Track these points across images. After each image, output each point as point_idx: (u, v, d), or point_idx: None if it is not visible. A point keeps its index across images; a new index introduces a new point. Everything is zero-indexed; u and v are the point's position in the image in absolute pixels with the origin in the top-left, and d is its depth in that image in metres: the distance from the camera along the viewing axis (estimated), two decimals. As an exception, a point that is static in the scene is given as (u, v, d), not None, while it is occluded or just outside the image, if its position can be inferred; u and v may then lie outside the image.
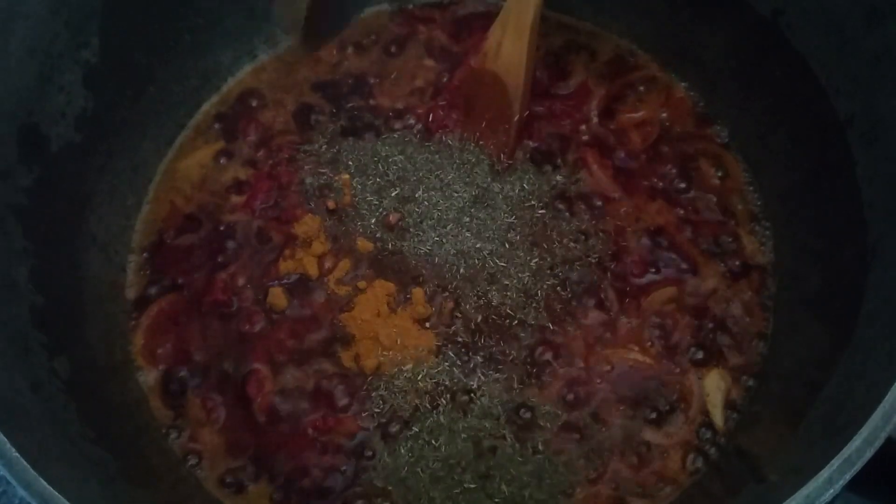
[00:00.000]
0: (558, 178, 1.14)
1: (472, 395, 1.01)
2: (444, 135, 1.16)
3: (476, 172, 1.13)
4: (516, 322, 1.05)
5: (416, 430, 0.99)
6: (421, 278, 1.07)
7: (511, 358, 1.03)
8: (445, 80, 1.21)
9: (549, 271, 1.08)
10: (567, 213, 1.12)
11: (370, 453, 0.99)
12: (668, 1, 1.17)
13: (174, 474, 1.00)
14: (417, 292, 1.06)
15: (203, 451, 1.02)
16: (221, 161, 1.18)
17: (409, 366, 1.02)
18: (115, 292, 1.10)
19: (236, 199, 1.15)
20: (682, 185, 1.14)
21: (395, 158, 1.15)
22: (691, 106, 1.20)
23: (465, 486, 0.97)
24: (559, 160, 1.15)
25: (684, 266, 1.09)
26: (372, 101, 1.21)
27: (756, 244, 1.11)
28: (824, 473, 0.70)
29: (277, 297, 1.07)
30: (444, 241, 1.09)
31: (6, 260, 0.91)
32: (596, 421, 1.01)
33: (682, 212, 1.13)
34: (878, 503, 0.89)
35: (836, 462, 0.70)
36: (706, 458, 1.00)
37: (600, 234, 1.11)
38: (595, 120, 1.19)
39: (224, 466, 1.01)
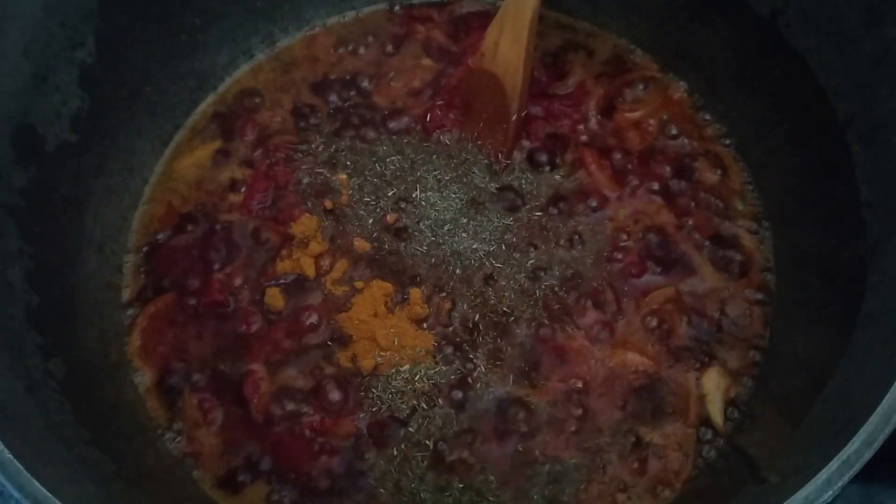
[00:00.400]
0: (556, 177, 1.14)
1: (469, 394, 1.01)
2: (442, 135, 1.16)
3: (474, 172, 1.13)
4: (513, 322, 1.05)
5: (413, 430, 0.99)
6: (418, 278, 1.07)
7: (508, 358, 1.03)
8: (443, 79, 1.20)
9: (546, 272, 1.08)
10: (565, 213, 1.11)
11: (367, 454, 0.99)
12: (666, 1, 1.17)
13: (170, 475, 1.00)
14: (415, 293, 1.05)
15: (199, 452, 1.02)
16: (218, 161, 1.18)
17: (407, 366, 1.02)
18: (111, 293, 1.09)
19: (233, 199, 1.15)
20: (681, 186, 1.14)
21: (393, 158, 1.14)
22: (690, 106, 1.20)
23: (457, 486, 0.97)
24: (557, 160, 1.15)
25: (683, 266, 1.09)
26: (369, 101, 1.21)
27: (755, 244, 1.11)
28: (824, 474, 0.70)
29: (274, 297, 1.07)
30: (441, 241, 1.09)
31: (1, 260, 0.91)
32: (594, 421, 1.01)
33: (680, 212, 1.12)
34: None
35: (835, 463, 0.71)
36: (705, 458, 1.00)
37: (598, 234, 1.10)
38: (593, 120, 1.19)
39: (220, 467, 1.01)
